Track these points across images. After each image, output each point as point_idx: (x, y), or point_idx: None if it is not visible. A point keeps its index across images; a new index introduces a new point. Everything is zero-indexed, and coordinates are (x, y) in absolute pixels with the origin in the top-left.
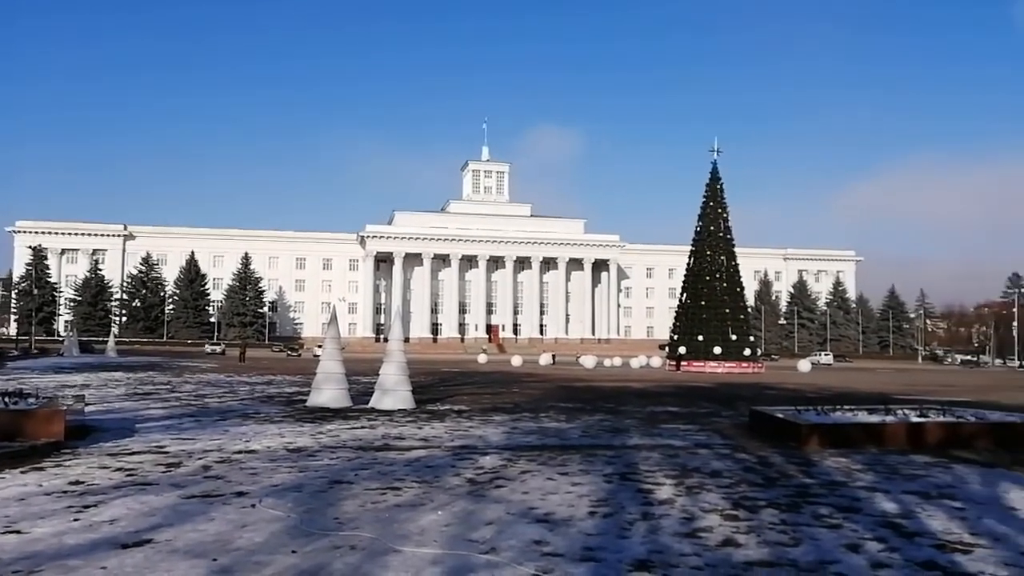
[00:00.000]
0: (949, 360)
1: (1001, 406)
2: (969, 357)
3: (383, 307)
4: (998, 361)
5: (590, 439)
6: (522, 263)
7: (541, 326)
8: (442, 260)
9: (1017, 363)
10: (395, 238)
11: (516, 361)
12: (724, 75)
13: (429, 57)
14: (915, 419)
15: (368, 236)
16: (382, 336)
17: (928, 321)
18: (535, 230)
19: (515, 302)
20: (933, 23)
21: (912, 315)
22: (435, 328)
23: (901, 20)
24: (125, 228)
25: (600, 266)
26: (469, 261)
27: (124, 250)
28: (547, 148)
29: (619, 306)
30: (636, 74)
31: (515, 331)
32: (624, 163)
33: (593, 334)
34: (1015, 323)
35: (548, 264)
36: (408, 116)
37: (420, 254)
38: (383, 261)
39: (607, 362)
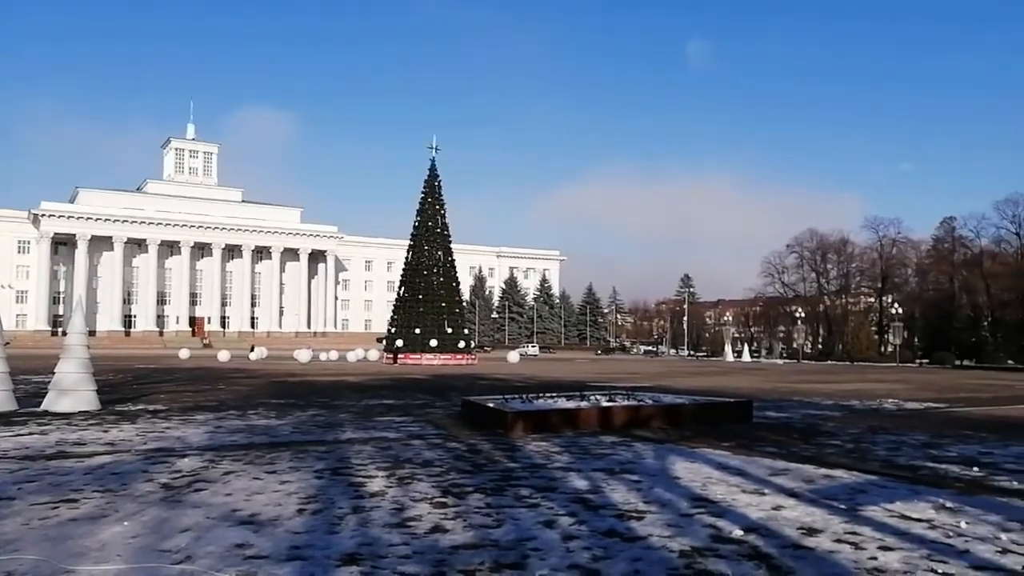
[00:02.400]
0: (635, 350)
1: (672, 389)
2: (650, 347)
3: (63, 296)
4: (672, 351)
5: (301, 435)
6: (232, 251)
7: (252, 319)
8: (138, 245)
9: (687, 352)
10: (80, 218)
11: (223, 356)
12: (443, 75)
13: (128, 25)
14: (605, 404)
15: (44, 215)
16: (60, 329)
17: (619, 315)
18: (247, 216)
19: (223, 293)
20: (625, 52)
21: (606, 310)
22: (128, 321)
23: (602, 40)
24: None
25: (317, 257)
26: (170, 247)
27: None
28: (260, 130)
29: (337, 299)
30: (357, 64)
31: (223, 324)
32: (345, 153)
33: (309, 327)
34: (685, 318)
35: (261, 253)
36: (96, 83)
37: (111, 237)
38: (63, 244)
39: (323, 356)
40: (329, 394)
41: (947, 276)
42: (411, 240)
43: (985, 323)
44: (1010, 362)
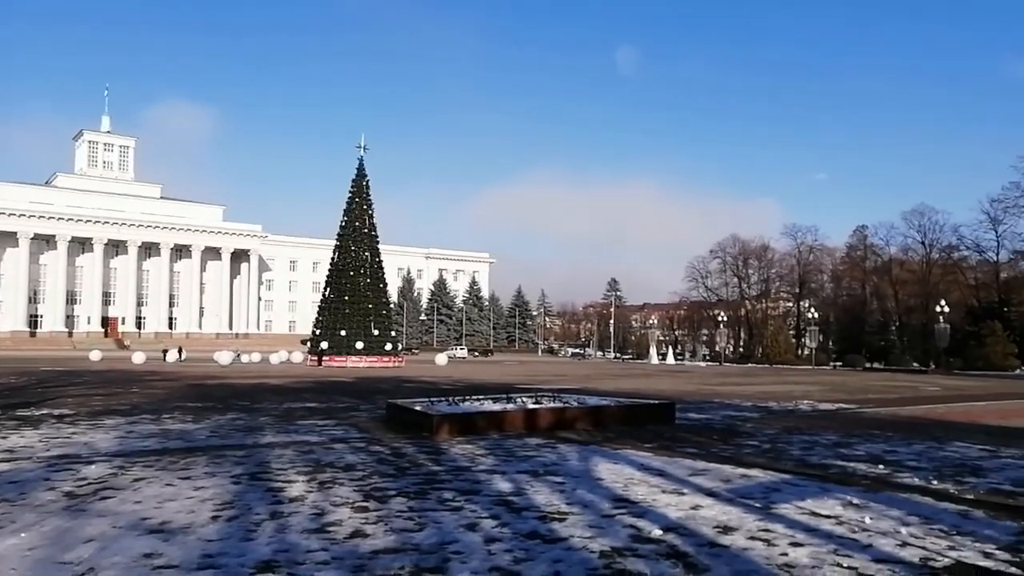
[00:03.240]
0: (562, 353)
1: (597, 392)
2: (577, 350)
3: None
4: (599, 353)
5: (219, 439)
6: (149, 249)
7: (171, 320)
8: (46, 242)
9: (613, 355)
10: None
11: (138, 358)
12: (371, 75)
13: (32, 9)
14: (531, 406)
15: None
16: None
17: (547, 318)
18: (166, 214)
19: (139, 293)
20: (556, 57)
21: (535, 313)
22: (34, 321)
23: (532, 43)
24: None
25: (240, 256)
26: (82, 244)
27: None
28: (181, 126)
29: (260, 299)
30: (281, 62)
31: (139, 325)
32: (269, 151)
33: (231, 329)
34: (612, 321)
35: (180, 252)
36: None
37: (15, 233)
38: None
39: (245, 358)
40: (250, 397)
41: (859, 282)
42: (338, 240)
43: (893, 327)
44: (915, 364)
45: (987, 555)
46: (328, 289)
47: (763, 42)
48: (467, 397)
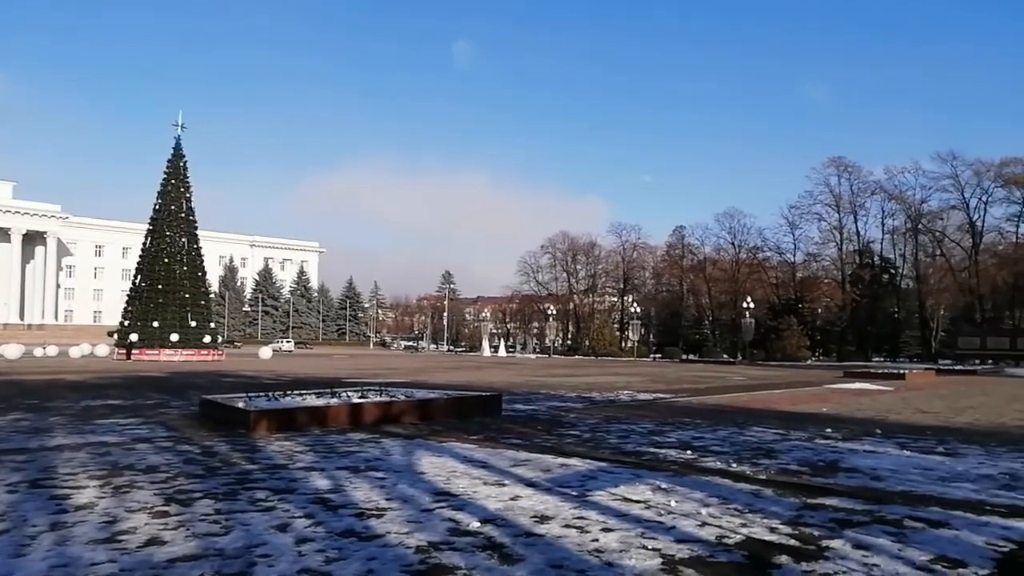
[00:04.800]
0: (395, 346)
1: (427, 385)
2: (410, 343)
3: None
4: (433, 346)
5: None
6: None
7: None
8: None
9: (446, 347)
10: None
11: None
12: (194, 49)
13: None
14: (356, 400)
15: None
16: None
17: (380, 311)
18: None
19: None
20: (390, 44)
21: (367, 305)
22: None
23: (367, 29)
24: None
25: (35, 239)
26: None
27: None
28: None
29: (59, 287)
30: (91, 24)
31: None
32: (74, 126)
33: (23, 319)
34: (446, 314)
35: None
36: None
37: None
38: None
39: (39, 351)
40: (41, 395)
41: (678, 279)
42: (151, 224)
43: (707, 321)
44: (725, 356)
45: (772, 530)
46: (139, 277)
47: (597, 42)
48: (289, 392)
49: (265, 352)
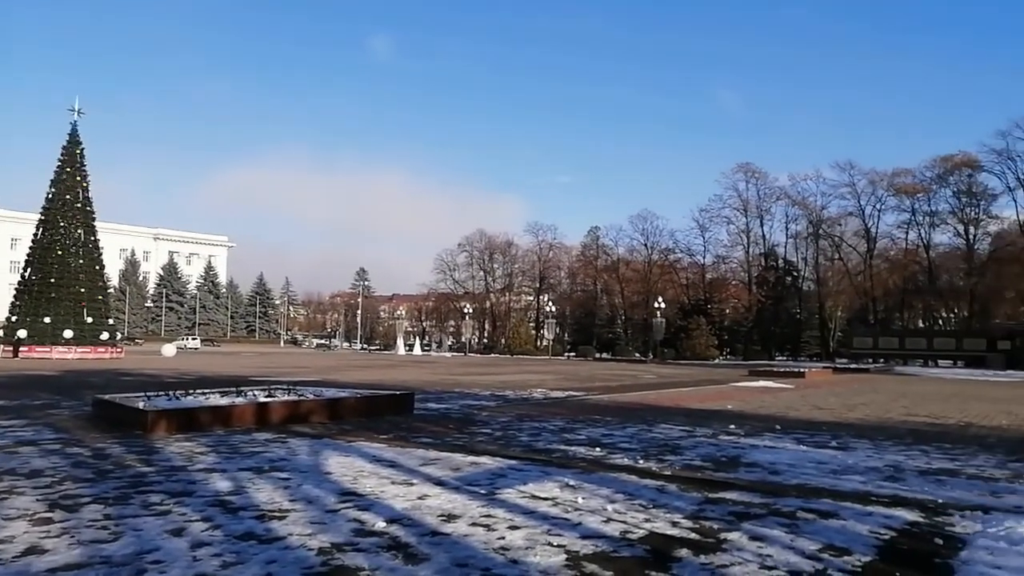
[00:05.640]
0: (307, 344)
1: (338, 383)
2: (323, 341)
3: None
4: (346, 344)
5: None
6: None
7: None
8: None
9: (360, 346)
10: None
11: None
12: (91, 32)
13: None
14: (263, 399)
15: None
16: None
17: (291, 308)
18: None
19: None
20: (305, 36)
21: (278, 301)
22: None
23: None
24: None
25: None
26: None
27: None
28: None
29: None
30: None
31: None
32: None
33: None
34: (360, 311)
35: None
36: None
37: None
38: None
39: None
40: None
41: (592, 279)
42: (43, 214)
43: (620, 321)
44: (637, 355)
45: (674, 524)
46: (29, 270)
47: (517, 43)
48: (192, 391)
49: (168, 350)
